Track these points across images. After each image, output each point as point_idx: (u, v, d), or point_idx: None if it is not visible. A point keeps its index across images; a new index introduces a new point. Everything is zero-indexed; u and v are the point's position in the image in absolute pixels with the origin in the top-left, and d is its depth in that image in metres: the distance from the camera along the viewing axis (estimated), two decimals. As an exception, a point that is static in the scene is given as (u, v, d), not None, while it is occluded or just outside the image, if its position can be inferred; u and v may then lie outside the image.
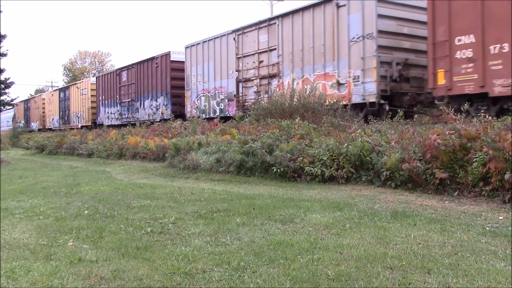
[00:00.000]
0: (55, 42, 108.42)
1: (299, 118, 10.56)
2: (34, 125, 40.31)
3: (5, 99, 22.61)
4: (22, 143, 26.75)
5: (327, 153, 7.62)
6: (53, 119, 36.71)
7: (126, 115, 25.37)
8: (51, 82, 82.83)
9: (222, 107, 18.30)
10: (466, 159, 5.93)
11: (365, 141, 7.41)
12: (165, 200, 6.47)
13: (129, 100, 25.03)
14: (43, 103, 39.35)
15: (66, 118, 33.50)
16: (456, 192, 5.83)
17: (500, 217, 4.73)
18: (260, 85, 16.22)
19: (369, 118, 10.97)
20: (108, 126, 24.26)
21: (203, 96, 19.25)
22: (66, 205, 6.33)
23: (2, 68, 20.85)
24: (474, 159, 5.73)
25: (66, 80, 67.49)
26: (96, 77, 30.79)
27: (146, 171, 10.93)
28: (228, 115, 17.46)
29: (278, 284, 3.04)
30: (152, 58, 22.50)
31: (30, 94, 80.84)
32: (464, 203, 5.47)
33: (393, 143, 7.37)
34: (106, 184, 8.59)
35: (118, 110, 26.36)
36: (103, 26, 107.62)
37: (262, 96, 15.76)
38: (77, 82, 35.29)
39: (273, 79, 15.60)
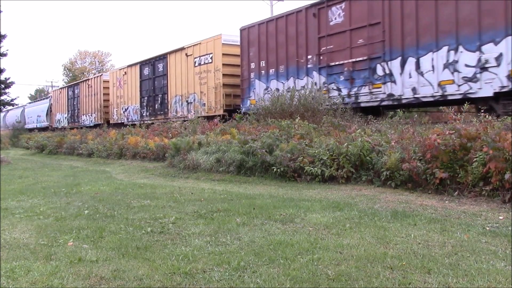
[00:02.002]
0: (55, 42, 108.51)
1: (299, 118, 10.56)
2: (88, 119, 29.21)
3: (5, 99, 22.55)
4: (22, 143, 26.74)
5: (327, 153, 7.62)
6: (127, 109, 24.45)
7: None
8: (51, 82, 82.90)
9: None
10: (466, 159, 5.93)
11: (365, 141, 7.41)
12: (165, 200, 6.47)
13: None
14: (105, 87, 27.01)
15: (154, 107, 21.88)
16: (456, 192, 5.83)
17: (500, 217, 4.73)
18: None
19: (369, 118, 10.96)
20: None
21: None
22: (66, 205, 6.33)
23: (2, 68, 20.78)
24: (474, 159, 5.73)
25: (66, 80, 67.49)
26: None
27: (146, 171, 10.93)
28: None
29: (278, 284, 3.04)
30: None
31: (30, 94, 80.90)
32: (464, 203, 5.47)
33: (393, 143, 7.37)
34: (106, 184, 8.59)
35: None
36: (103, 26, 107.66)
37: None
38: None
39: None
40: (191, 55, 18.94)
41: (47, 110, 37.31)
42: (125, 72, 24.57)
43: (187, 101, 19.21)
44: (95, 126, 26.74)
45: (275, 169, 8.06)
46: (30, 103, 45.56)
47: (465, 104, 7.99)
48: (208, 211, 5.47)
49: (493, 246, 3.73)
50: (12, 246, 4.23)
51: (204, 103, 18.05)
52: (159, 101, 21.68)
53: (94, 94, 28.52)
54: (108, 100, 26.83)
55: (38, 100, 44.69)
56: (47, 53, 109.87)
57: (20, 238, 4.52)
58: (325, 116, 10.82)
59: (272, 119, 11.60)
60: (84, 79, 32.28)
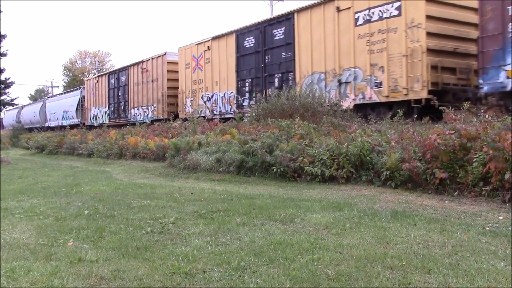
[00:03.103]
0: (55, 42, 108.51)
1: (299, 118, 10.56)
2: (142, 113, 23.26)
3: (5, 99, 22.54)
4: (22, 143, 26.71)
5: (327, 153, 7.62)
6: (211, 98, 18.51)
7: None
8: (51, 82, 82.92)
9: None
10: (466, 159, 5.93)
11: (365, 141, 7.41)
12: (165, 200, 6.47)
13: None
14: (170, 70, 21.09)
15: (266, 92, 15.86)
16: (456, 192, 5.83)
17: (500, 217, 4.73)
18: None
19: (369, 118, 10.96)
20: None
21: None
22: (66, 205, 6.32)
23: (2, 68, 20.77)
24: (474, 159, 5.73)
25: (66, 80, 67.44)
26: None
27: (146, 171, 10.93)
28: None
29: (278, 284, 3.04)
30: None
31: (30, 94, 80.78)
32: (464, 203, 5.47)
33: (393, 143, 7.37)
34: (106, 184, 8.59)
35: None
36: (103, 26, 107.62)
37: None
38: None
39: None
40: (347, 8, 12.82)
41: (78, 104, 30.18)
42: (207, 47, 18.17)
43: (339, 81, 13.18)
44: (154, 122, 20.42)
45: (275, 169, 8.05)
46: (50, 97, 39.35)
47: (465, 104, 7.98)
48: (208, 211, 5.47)
49: (493, 246, 3.73)
50: (12, 246, 4.23)
51: (380, 82, 12.08)
52: (276, 83, 15.23)
53: (153, 81, 22.11)
54: (176, 88, 20.74)
55: (64, 93, 37.39)
56: (47, 53, 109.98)
57: (20, 238, 4.52)
58: (325, 116, 10.82)
59: (272, 119, 11.60)
60: (134, 62, 23.86)
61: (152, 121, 20.93)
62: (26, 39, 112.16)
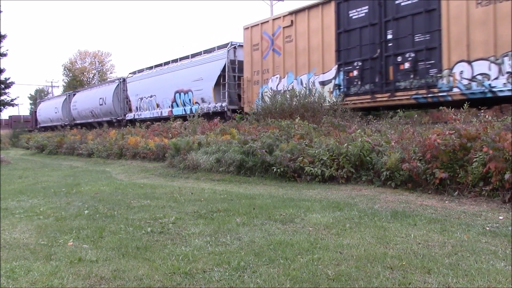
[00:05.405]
0: (55, 42, 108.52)
1: (299, 118, 10.57)
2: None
3: (5, 99, 22.57)
4: (22, 143, 26.71)
5: (327, 153, 7.62)
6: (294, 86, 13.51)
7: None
8: (51, 82, 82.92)
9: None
10: (466, 159, 5.94)
11: (365, 141, 7.41)
12: (165, 200, 6.47)
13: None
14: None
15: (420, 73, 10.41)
16: (456, 192, 5.83)
17: (500, 217, 4.73)
18: None
19: (369, 118, 10.96)
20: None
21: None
22: (66, 205, 6.32)
23: (2, 68, 20.84)
24: (474, 159, 5.73)
25: (66, 80, 67.41)
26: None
27: (146, 171, 10.93)
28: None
29: (278, 284, 3.03)
30: None
31: (30, 94, 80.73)
32: (464, 203, 5.47)
33: (393, 143, 7.37)
34: (106, 184, 8.59)
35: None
36: (103, 26, 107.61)
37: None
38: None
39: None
40: None
41: (219, 78, 16.98)
42: (290, 22, 14.14)
43: None
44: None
45: (275, 169, 8.05)
46: (138, 71, 24.16)
47: (465, 105, 7.99)
48: (208, 211, 5.47)
49: (493, 246, 3.73)
50: (12, 246, 4.23)
51: None
52: (405, 64, 11.14)
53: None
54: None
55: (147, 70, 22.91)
56: (47, 53, 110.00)
57: (20, 238, 4.52)
58: (325, 116, 10.82)
59: (272, 119, 11.60)
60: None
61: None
62: (26, 39, 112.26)
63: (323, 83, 13.21)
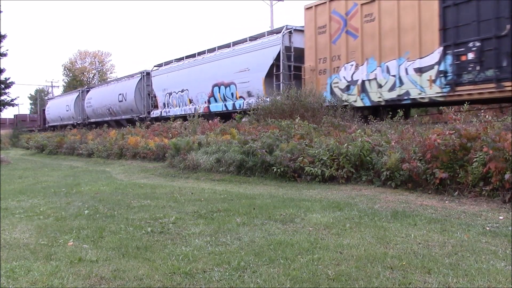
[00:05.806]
0: (55, 42, 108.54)
1: (299, 118, 10.56)
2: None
3: (5, 99, 22.55)
4: (22, 143, 26.70)
5: (327, 153, 7.62)
6: (376, 74, 11.57)
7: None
8: (51, 82, 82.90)
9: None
10: (466, 159, 5.94)
11: (365, 141, 7.41)
12: (165, 200, 6.47)
13: None
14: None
15: None
16: (456, 192, 5.83)
17: (500, 217, 4.73)
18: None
19: (369, 118, 10.96)
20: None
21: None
22: (66, 205, 6.32)
23: (2, 68, 20.81)
24: (474, 159, 5.73)
25: (66, 80, 67.41)
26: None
27: (146, 171, 10.93)
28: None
29: (278, 284, 3.03)
30: None
31: (30, 94, 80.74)
32: (464, 203, 5.47)
33: (393, 143, 7.38)
34: (106, 184, 8.59)
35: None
36: (103, 26, 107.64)
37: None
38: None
39: None
40: None
41: (271, 68, 14.76)
42: None
43: None
44: None
45: (275, 169, 8.05)
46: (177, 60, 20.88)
47: (465, 105, 7.99)
48: (208, 211, 5.47)
49: (493, 246, 3.73)
50: (12, 246, 4.23)
51: None
52: None
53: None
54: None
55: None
56: (47, 53, 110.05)
57: (20, 238, 4.52)
58: (325, 116, 10.82)
59: (272, 119, 11.60)
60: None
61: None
62: (26, 39, 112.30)
63: (420, 70, 10.82)
